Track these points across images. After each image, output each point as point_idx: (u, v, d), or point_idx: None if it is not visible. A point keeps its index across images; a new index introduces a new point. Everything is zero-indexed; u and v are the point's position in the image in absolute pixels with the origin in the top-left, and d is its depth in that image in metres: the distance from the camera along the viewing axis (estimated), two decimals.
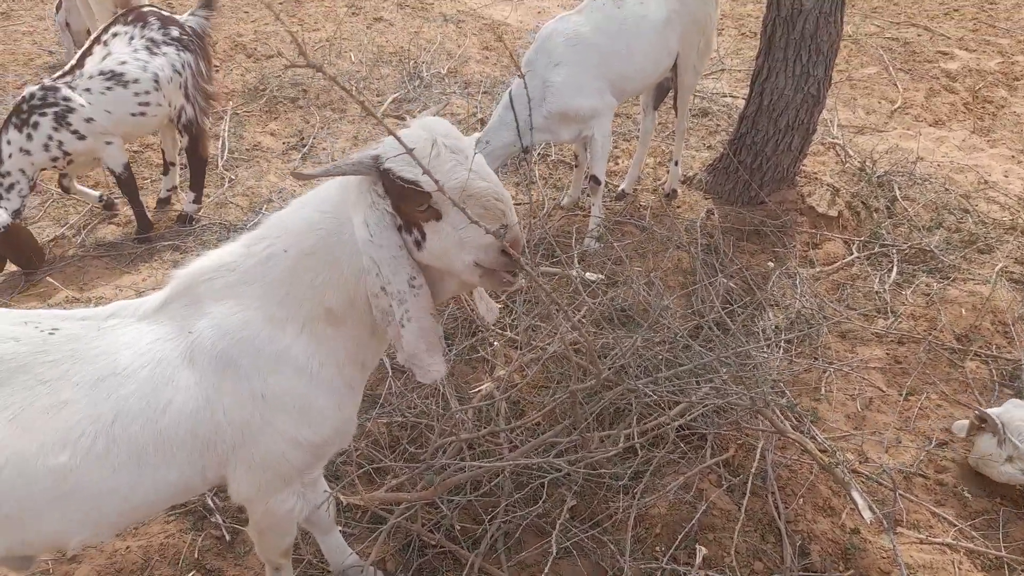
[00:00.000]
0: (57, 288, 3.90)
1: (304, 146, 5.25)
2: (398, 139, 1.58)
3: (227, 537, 2.62)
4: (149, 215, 4.44)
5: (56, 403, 1.64)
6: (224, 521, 2.66)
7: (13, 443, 1.60)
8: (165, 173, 4.69)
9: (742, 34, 7.28)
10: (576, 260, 3.88)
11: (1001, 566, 2.60)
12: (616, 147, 5.19)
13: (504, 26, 7.43)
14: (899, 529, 2.69)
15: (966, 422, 2.98)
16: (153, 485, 1.72)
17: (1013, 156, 5.23)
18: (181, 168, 4.68)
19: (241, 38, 6.77)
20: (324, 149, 5.22)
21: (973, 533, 2.71)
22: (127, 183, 4.20)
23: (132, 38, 4.03)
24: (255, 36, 6.86)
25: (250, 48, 6.63)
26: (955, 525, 2.74)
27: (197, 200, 4.51)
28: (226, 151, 5.16)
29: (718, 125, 5.52)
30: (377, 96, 5.90)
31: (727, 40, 7.04)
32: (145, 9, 4.19)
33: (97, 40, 4.05)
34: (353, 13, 7.49)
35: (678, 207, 4.53)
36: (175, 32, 4.13)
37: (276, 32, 6.98)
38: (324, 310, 1.77)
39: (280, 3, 7.67)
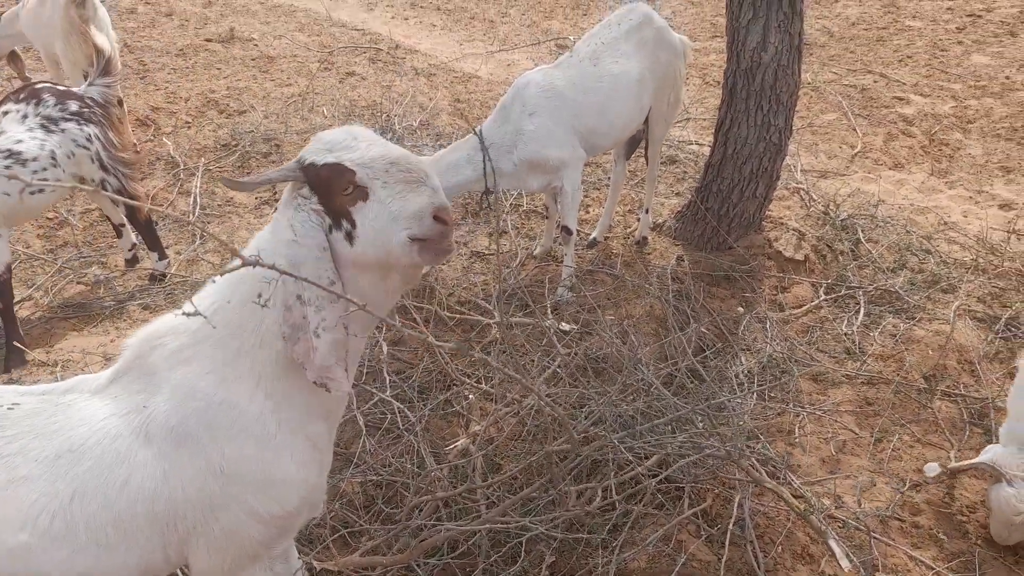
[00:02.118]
0: (23, 351, 3.82)
1: (276, 200, 5.26)
2: (235, 253, 1.64)
3: None
4: (118, 275, 4.36)
5: (14, 479, 1.61)
6: None
7: None
8: (119, 236, 4.59)
9: (706, 83, 7.49)
10: (549, 311, 3.90)
11: None
12: (587, 195, 5.27)
13: (475, 79, 7.58)
14: (877, 574, 2.69)
15: (937, 465, 2.99)
16: (113, 566, 1.67)
17: (971, 197, 5.40)
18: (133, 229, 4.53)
19: (213, 94, 6.83)
20: None
21: None
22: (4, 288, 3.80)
23: (26, 116, 3.83)
24: (227, 92, 6.92)
25: (222, 104, 6.68)
26: (932, 568, 2.75)
27: (162, 257, 4.45)
28: (198, 207, 5.15)
29: (685, 172, 5.64)
30: None
31: (692, 89, 7.24)
32: (39, 86, 4.02)
33: None
34: (325, 68, 7.59)
35: (649, 254, 4.60)
36: (74, 106, 3.94)
37: (248, 88, 7.04)
38: (275, 359, 1.72)
39: (252, 60, 7.76)
